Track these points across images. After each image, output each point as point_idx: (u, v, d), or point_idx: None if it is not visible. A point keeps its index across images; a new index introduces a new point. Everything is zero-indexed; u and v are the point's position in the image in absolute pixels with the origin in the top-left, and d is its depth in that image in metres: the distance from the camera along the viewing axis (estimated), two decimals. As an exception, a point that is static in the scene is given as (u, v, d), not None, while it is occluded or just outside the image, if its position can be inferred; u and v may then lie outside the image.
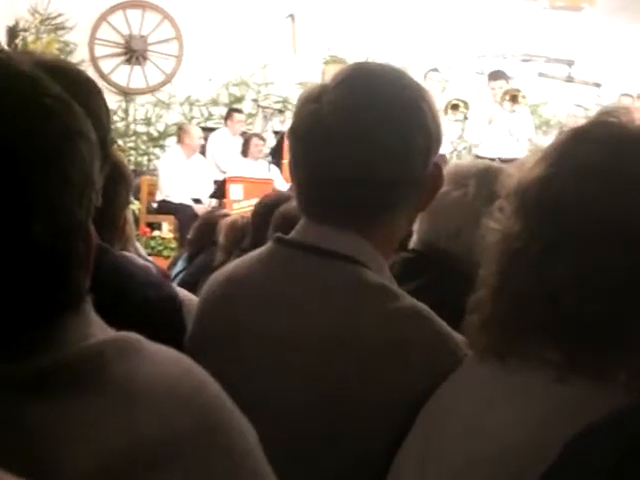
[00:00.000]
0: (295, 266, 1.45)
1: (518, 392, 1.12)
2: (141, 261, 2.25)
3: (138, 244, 4.77)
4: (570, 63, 11.77)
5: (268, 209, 3.37)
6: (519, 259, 1.13)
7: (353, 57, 11.11)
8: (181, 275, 4.73)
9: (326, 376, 1.34)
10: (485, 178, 1.96)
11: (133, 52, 11.39)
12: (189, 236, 5.48)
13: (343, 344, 1.34)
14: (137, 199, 9.17)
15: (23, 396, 0.81)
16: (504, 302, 1.15)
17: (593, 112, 10.56)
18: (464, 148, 11.14)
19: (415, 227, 2.01)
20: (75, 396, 0.84)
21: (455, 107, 9.81)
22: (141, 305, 1.51)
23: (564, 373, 1.07)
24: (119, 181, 1.90)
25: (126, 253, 2.03)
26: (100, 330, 0.92)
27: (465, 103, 9.96)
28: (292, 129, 1.48)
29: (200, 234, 5.08)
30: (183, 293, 2.08)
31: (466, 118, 9.85)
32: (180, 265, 5.15)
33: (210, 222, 5.07)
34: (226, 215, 5.19)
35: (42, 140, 0.83)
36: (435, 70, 10.29)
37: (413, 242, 2.06)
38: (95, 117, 1.16)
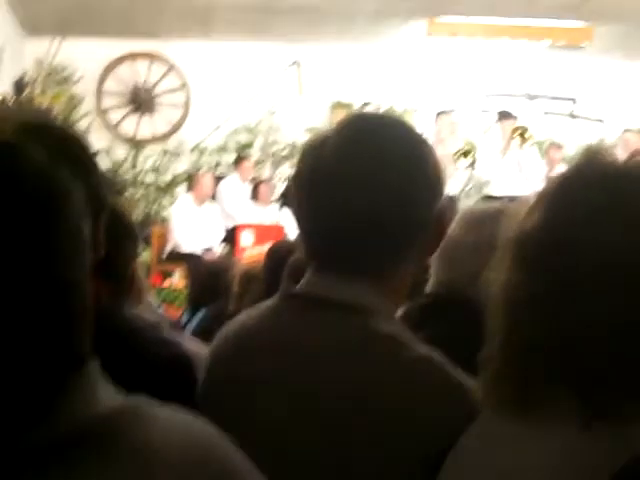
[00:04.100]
0: (305, 319, 1.44)
1: (541, 444, 1.10)
2: (151, 317, 2.23)
3: (149, 296, 4.76)
4: (573, 100, 11.85)
5: (280, 257, 3.36)
6: (524, 309, 1.12)
7: (359, 101, 11.20)
8: (193, 324, 4.71)
9: (342, 428, 1.33)
10: (499, 222, 1.94)
11: (140, 102, 11.47)
12: (190, 287, 5.50)
13: (358, 396, 1.34)
14: (148, 249, 9.18)
15: (41, 466, 0.81)
16: (514, 353, 1.13)
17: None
18: (472, 187, 11.15)
19: (431, 271, 2.00)
20: (93, 464, 0.84)
21: (465, 154, 9.87)
22: (152, 365, 1.50)
23: (584, 420, 1.05)
24: (122, 232, 1.89)
25: (136, 310, 2.01)
26: (108, 393, 0.92)
27: (474, 150, 10.02)
28: (296, 178, 1.49)
29: (202, 285, 5.08)
30: (194, 346, 2.06)
31: (474, 165, 9.90)
32: (186, 316, 5.14)
33: (213, 272, 5.07)
34: (224, 265, 5.18)
35: (24, 209, 0.83)
36: (445, 112, 10.34)
37: (429, 287, 2.05)
38: (83, 172, 1.15)
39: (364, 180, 1.39)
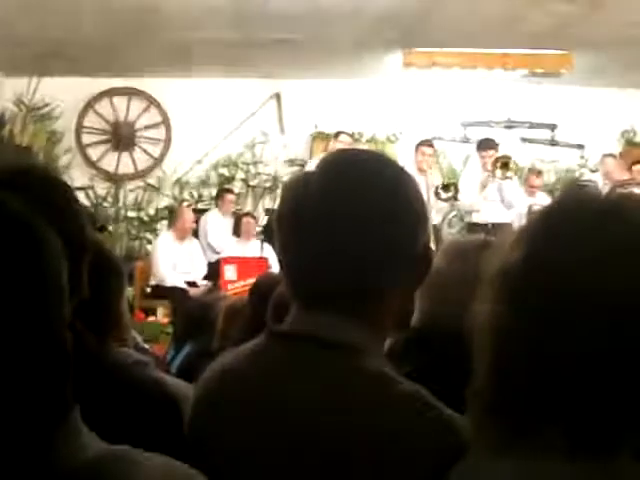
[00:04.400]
0: (291, 358, 1.43)
1: (530, 478, 1.09)
2: (137, 354, 2.21)
3: (134, 332, 4.73)
4: (553, 127, 11.94)
5: (264, 291, 3.35)
6: (509, 343, 1.12)
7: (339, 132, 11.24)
8: (178, 361, 4.68)
9: (329, 466, 1.33)
10: (484, 253, 1.94)
11: (121, 138, 11.46)
12: (176, 323, 5.48)
13: (346, 434, 1.33)
14: (131, 284, 9.15)
15: None
16: (500, 388, 1.13)
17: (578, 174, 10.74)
18: (455, 216, 11.20)
19: (416, 304, 1.99)
20: None
21: (446, 187, 9.91)
22: (138, 405, 1.50)
23: (571, 454, 1.05)
24: (107, 271, 1.89)
25: (122, 349, 2.00)
26: (92, 439, 0.92)
27: (455, 183, 10.06)
28: (278, 218, 1.49)
29: (188, 321, 5.06)
30: (179, 385, 2.05)
31: (455, 197, 9.94)
32: (171, 352, 5.12)
33: (200, 308, 5.05)
34: (211, 300, 5.17)
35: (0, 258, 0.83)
36: (425, 142, 10.38)
37: (414, 320, 2.05)
38: (64, 216, 1.15)
39: (347, 221, 1.40)
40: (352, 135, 10.66)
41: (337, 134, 10.33)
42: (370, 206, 1.41)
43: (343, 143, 9.93)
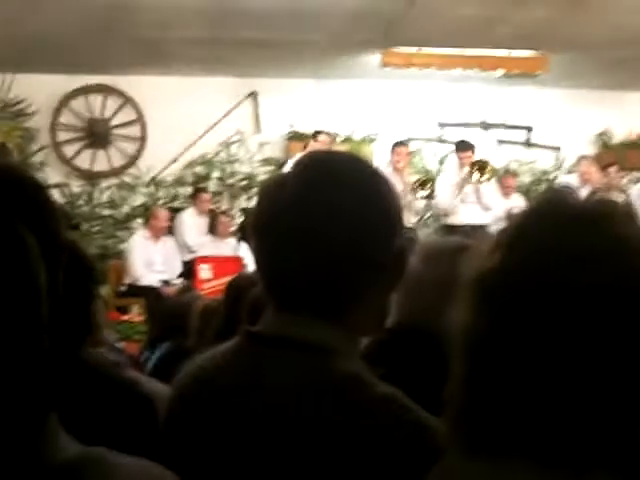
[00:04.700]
0: (267, 360, 1.43)
1: None
2: (111, 354, 2.20)
3: (108, 331, 4.71)
4: (529, 129, 12.01)
5: (239, 291, 3.34)
6: (483, 349, 1.11)
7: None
8: (153, 361, 4.66)
9: (307, 468, 1.32)
10: (459, 256, 1.95)
11: (96, 136, 11.40)
12: (150, 323, 5.46)
13: (321, 436, 1.33)
14: (105, 283, 9.11)
15: None
16: (474, 394, 1.12)
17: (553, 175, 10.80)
18: (430, 217, 11.23)
19: (392, 306, 1.99)
20: None
21: (422, 185, 9.94)
22: (113, 407, 1.49)
23: (543, 464, 1.05)
24: (80, 270, 1.87)
25: (97, 350, 1.99)
26: (68, 442, 0.92)
27: (432, 180, 10.11)
28: (254, 223, 1.48)
29: (162, 321, 5.04)
30: (154, 386, 2.04)
31: (432, 195, 9.98)
32: (146, 352, 5.09)
33: (174, 308, 5.04)
34: (185, 300, 5.15)
35: None
36: (402, 143, 10.42)
37: (389, 322, 2.04)
38: (40, 217, 1.13)
39: (323, 224, 1.39)
40: (330, 135, 10.66)
41: (316, 134, 10.31)
42: (346, 210, 1.41)
43: (322, 143, 9.92)
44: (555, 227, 1.11)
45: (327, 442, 1.32)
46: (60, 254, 1.42)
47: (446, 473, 1.20)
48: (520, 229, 1.15)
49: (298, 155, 1.69)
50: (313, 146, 9.65)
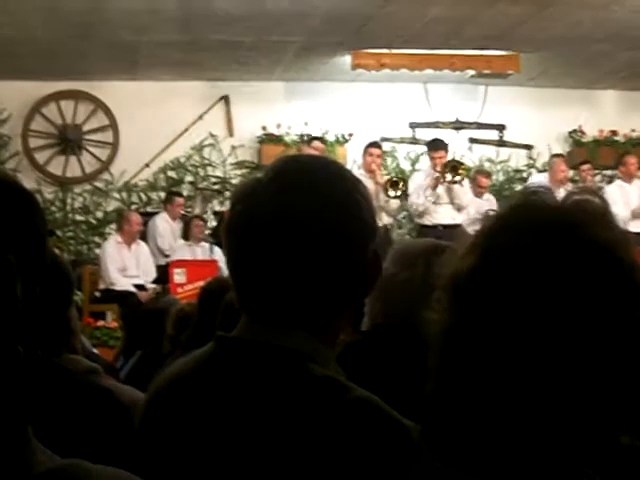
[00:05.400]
0: (240, 366, 1.43)
1: None
2: (86, 361, 2.19)
3: (83, 337, 4.69)
4: (501, 128, 12.05)
5: (214, 296, 3.33)
6: (458, 351, 1.11)
7: (289, 134, 11.25)
8: (129, 367, 4.65)
9: (284, 472, 1.32)
10: (433, 257, 1.95)
11: (68, 142, 11.34)
12: (126, 330, 5.43)
13: (299, 440, 1.33)
14: (79, 289, 9.06)
15: None
16: (449, 398, 1.12)
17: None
18: (404, 217, 11.24)
19: (366, 309, 2.00)
20: None
21: (395, 184, 9.94)
22: (88, 415, 1.48)
23: (514, 472, 1.05)
24: (56, 277, 1.86)
25: (72, 356, 1.98)
26: (43, 452, 0.91)
27: (404, 180, 10.12)
28: (227, 228, 1.48)
29: (137, 327, 5.02)
30: (130, 392, 2.03)
31: (405, 194, 9.99)
32: (122, 358, 5.08)
33: (149, 314, 5.02)
34: (160, 306, 5.13)
35: None
36: (374, 144, 10.43)
37: (364, 324, 2.05)
38: (21, 226, 1.13)
39: (295, 232, 1.40)
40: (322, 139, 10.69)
41: (310, 140, 10.41)
42: (317, 217, 1.41)
43: (315, 148, 9.93)
44: (530, 230, 1.11)
45: (303, 446, 1.32)
46: (42, 266, 1.41)
47: (420, 475, 1.21)
48: (495, 231, 1.15)
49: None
50: (307, 152, 9.65)
